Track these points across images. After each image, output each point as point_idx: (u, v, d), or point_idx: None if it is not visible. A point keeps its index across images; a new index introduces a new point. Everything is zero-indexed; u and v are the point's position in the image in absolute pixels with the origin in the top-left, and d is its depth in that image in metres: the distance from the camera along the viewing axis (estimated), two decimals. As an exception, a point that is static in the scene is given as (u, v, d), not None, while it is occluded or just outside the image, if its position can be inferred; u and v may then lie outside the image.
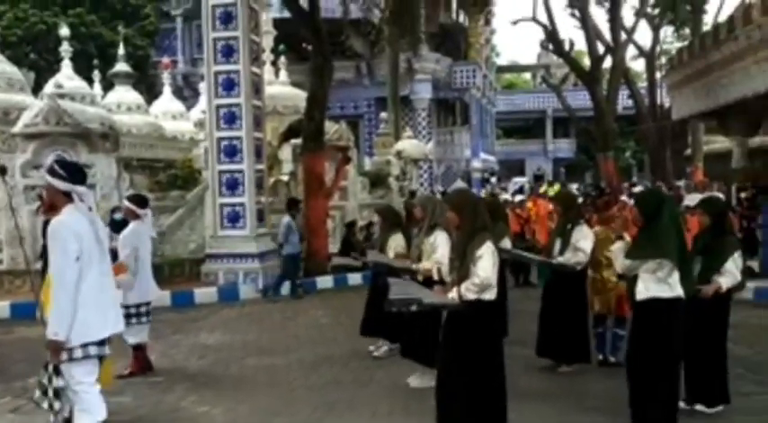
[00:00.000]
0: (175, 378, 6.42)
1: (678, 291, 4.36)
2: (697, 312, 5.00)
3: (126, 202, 6.16)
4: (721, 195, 10.95)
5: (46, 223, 4.60)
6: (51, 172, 3.94)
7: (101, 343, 3.94)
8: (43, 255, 5.66)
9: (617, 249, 4.64)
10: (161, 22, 30.42)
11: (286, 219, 11.12)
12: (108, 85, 18.84)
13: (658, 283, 4.33)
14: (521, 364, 6.11)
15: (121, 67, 18.47)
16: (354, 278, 11.68)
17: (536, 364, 6.32)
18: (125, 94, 17.97)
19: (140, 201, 6.38)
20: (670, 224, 4.36)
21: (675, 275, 4.34)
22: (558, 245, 6.18)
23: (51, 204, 3.98)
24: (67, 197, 3.92)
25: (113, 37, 23.06)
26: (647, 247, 4.37)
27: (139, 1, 28.15)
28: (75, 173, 3.98)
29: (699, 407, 5.03)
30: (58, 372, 3.87)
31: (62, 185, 3.90)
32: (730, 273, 4.94)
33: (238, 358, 7.16)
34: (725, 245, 5.03)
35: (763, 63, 13.01)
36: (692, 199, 9.19)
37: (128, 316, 6.11)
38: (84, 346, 3.85)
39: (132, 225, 6.22)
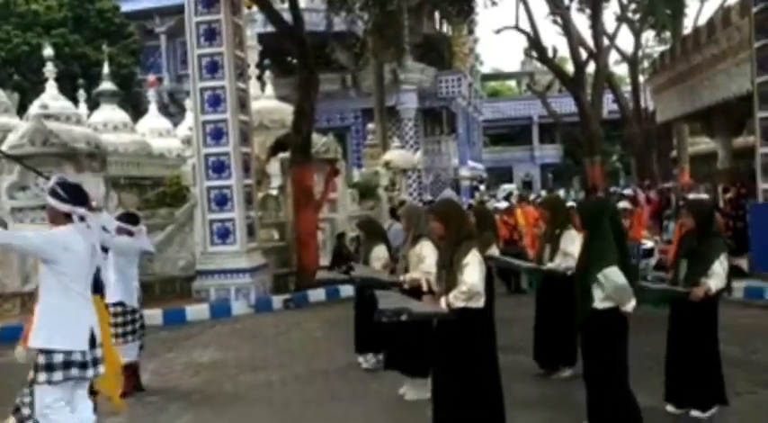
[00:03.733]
0: (170, 397, 6.37)
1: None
2: (685, 316, 5.00)
3: (118, 223, 6.15)
4: (707, 196, 11.04)
5: None
6: (53, 193, 3.98)
7: (83, 365, 3.95)
8: None
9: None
10: (145, 40, 30.50)
11: (397, 225, 11.21)
12: (93, 105, 18.76)
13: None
14: (515, 371, 6.10)
15: (106, 85, 18.39)
16: (347, 290, 11.65)
17: (530, 370, 6.31)
18: (111, 113, 17.88)
19: (131, 218, 6.38)
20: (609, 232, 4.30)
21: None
22: (547, 251, 6.20)
23: (52, 225, 4.04)
24: (68, 218, 3.97)
25: (97, 56, 23.02)
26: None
27: (123, 20, 28.19)
28: (76, 194, 4.01)
29: (694, 413, 4.98)
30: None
31: (63, 207, 3.95)
32: (718, 275, 4.87)
33: (233, 375, 7.11)
34: (711, 247, 4.96)
35: (744, 65, 13.21)
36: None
37: (115, 335, 6.08)
38: (67, 366, 3.86)
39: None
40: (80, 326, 3.95)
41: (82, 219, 3.99)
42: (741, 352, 6.89)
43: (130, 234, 6.21)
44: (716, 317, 5.08)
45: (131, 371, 6.36)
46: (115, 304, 6.18)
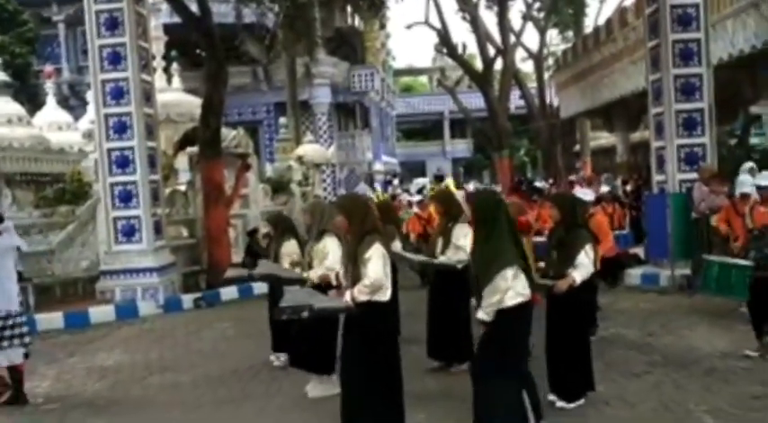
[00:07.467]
0: (71, 404, 6.08)
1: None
2: (555, 306, 5.05)
3: None
4: (608, 188, 11.56)
5: None
6: None
7: None
8: None
9: None
10: (41, 29, 28.78)
11: None
12: (-16, 97, 17.62)
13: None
14: (419, 364, 6.12)
15: (-2, 76, 17.31)
16: (260, 287, 11.44)
17: (431, 363, 6.31)
18: (4, 106, 16.81)
19: None
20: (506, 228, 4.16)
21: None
22: (440, 243, 6.18)
23: None
24: None
25: (-12, 45, 21.63)
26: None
27: (16, 6, 26.57)
28: None
29: (559, 403, 5.00)
30: None
31: None
32: (583, 265, 5.00)
33: (140, 378, 6.87)
34: (577, 238, 5.09)
35: (639, 63, 13.93)
36: (584, 193, 9.60)
37: None
38: None
39: None
40: None
41: None
42: (639, 335, 7.30)
43: None
44: (583, 306, 5.18)
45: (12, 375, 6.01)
46: None
